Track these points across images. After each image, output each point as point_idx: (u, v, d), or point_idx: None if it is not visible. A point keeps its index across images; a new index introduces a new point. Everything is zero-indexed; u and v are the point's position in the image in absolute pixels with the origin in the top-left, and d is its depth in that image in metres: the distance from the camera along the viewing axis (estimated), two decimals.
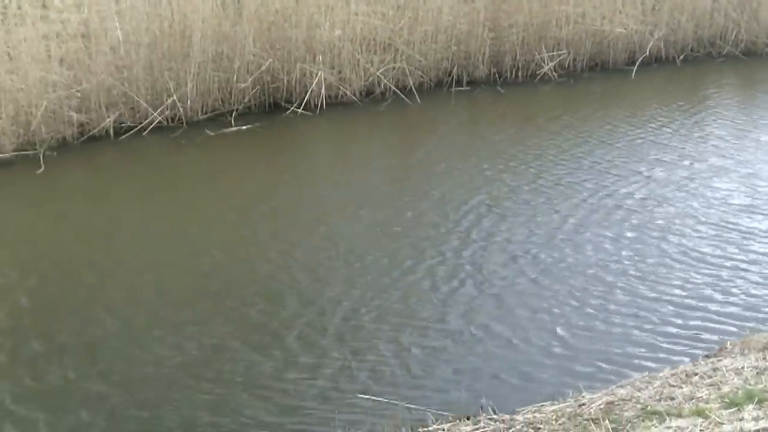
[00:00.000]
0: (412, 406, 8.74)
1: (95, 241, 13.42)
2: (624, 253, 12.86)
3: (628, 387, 8.58)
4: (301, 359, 9.87)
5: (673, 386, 8.39)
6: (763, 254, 12.54)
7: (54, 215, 14.39)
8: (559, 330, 10.54)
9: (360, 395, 9.00)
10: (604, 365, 9.78)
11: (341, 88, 19.70)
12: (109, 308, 11.02)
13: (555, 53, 22.39)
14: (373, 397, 8.93)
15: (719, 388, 8.05)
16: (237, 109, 18.70)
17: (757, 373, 8.31)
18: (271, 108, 19.33)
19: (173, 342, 10.24)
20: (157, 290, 11.51)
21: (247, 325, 10.63)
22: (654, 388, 8.43)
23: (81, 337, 10.39)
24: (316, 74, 19.17)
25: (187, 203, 15.01)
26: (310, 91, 19.11)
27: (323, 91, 19.18)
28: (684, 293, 11.49)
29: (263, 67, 18.85)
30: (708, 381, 8.38)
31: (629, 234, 13.53)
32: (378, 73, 20.15)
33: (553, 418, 7.89)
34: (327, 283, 11.72)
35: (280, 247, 12.85)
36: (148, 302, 11.19)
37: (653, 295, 11.48)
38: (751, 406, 7.35)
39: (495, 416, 8.22)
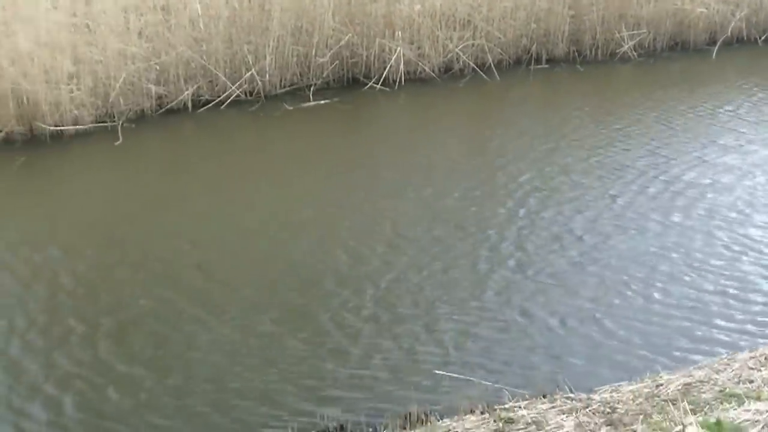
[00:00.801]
0: (487, 383, 8.33)
1: (169, 213, 12.98)
2: (707, 236, 12.08)
3: (706, 369, 8.31)
4: (375, 335, 9.41)
5: (752, 369, 8.16)
6: None
7: (131, 187, 13.96)
8: (633, 311, 9.96)
9: (436, 371, 8.57)
10: (681, 347, 9.25)
11: (420, 64, 18.93)
12: (179, 279, 10.71)
13: (635, 32, 21.38)
14: (448, 374, 8.50)
15: None
16: (315, 84, 18.02)
17: None
18: (350, 83, 18.63)
19: (244, 310, 9.86)
20: (229, 263, 11.07)
21: (329, 299, 10.15)
22: (732, 370, 8.18)
23: (141, 309, 10.04)
24: (395, 50, 18.42)
25: (264, 177, 14.38)
26: (388, 66, 18.37)
27: (402, 66, 18.42)
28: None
29: (342, 42, 18.18)
30: None
31: (704, 218, 12.70)
32: (457, 50, 19.36)
33: (631, 398, 7.66)
34: (403, 254, 11.25)
35: (356, 222, 12.30)
36: (219, 273, 10.81)
37: (734, 275, 10.80)
38: None
39: (572, 395, 7.90)
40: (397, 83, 18.44)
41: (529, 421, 7.18)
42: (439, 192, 13.63)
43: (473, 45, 19.62)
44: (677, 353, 9.09)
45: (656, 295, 10.29)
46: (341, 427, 7.58)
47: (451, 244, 11.52)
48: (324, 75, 18.16)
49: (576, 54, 21.01)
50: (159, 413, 8.13)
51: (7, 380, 8.64)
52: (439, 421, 7.45)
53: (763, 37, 23.15)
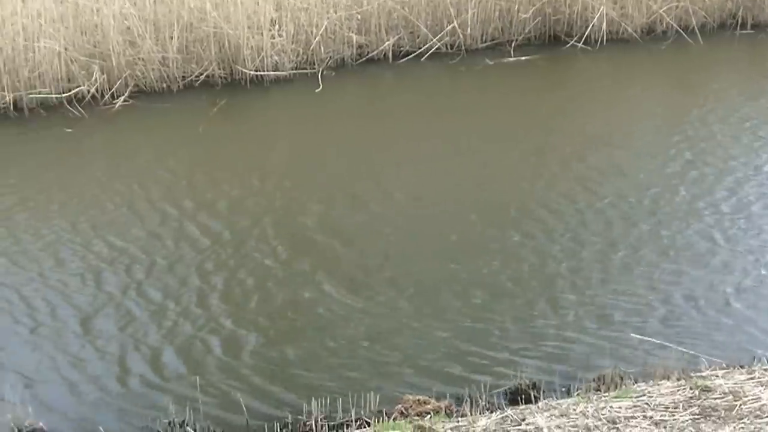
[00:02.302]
0: (683, 349, 7.50)
1: (365, 161, 12.10)
2: None
3: None
4: (570, 295, 8.53)
5: None
6: None
7: (329, 134, 13.13)
8: None
9: (632, 334, 7.76)
10: None
11: (622, 24, 17.29)
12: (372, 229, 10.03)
13: None
14: (645, 337, 7.71)
15: None
16: (516, 40, 16.56)
17: None
18: (550, 40, 17.05)
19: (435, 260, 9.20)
20: (422, 212, 10.41)
21: (524, 258, 9.25)
22: None
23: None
24: (598, 9, 16.81)
25: (461, 130, 13.03)
26: (590, 25, 16.78)
27: (604, 26, 16.81)
28: None
29: None
30: None
31: None
32: (660, 11, 17.60)
33: None
34: (599, 213, 10.26)
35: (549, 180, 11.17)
36: (411, 224, 10.11)
37: None
38: None
39: None
40: (598, 42, 16.83)
41: (726, 390, 6.40)
42: (637, 154, 12.30)
43: (677, 7, 17.84)
44: None
45: None
46: (533, 385, 6.91)
47: (654, 207, 10.46)
48: (525, 31, 16.72)
49: None
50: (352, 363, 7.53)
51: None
52: (633, 384, 6.72)
53: None
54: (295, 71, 14.90)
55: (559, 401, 6.41)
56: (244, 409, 6.83)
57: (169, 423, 6.62)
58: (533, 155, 12.14)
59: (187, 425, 6.58)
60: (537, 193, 10.85)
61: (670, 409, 6.25)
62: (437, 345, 7.64)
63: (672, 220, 10.02)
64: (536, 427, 5.88)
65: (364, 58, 15.59)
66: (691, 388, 6.49)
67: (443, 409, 6.43)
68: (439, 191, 10.99)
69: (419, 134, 12.85)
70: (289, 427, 6.44)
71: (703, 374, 6.85)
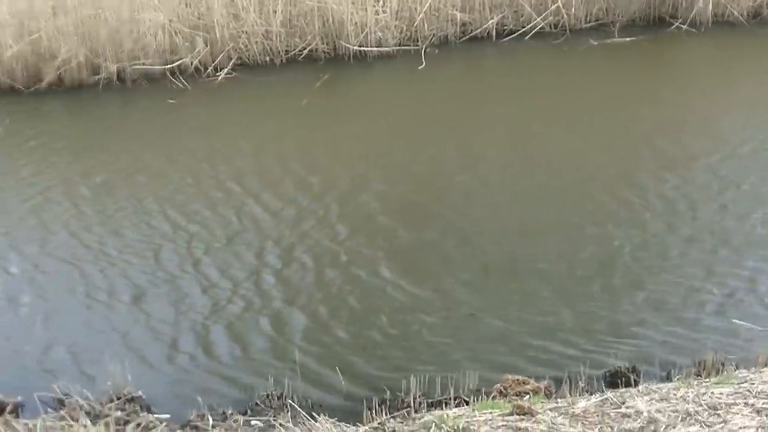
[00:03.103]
0: None
1: (467, 138, 11.48)
2: None
3: None
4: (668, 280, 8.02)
5: None
6: None
7: (431, 110, 12.56)
8: None
9: (734, 320, 7.34)
10: None
11: (728, 7, 16.41)
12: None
13: None
14: (748, 324, 7.26)
15: None
16: (621, 21, 15.75)
17: None
18: (655, 22, 16.15)
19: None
20: (514, 195, 9.82)
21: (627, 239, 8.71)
22: None
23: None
24: None
25: (562, 111, 12.32)
26: (696, 7, 15.93)
27: (710, 8, 15.96)
28: None
29: None
30: None
31: None
32: None
33: None
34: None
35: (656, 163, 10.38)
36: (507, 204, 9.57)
37: None
38: None
39: None
40: (703, 25, 15.95)
41: None
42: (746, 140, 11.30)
43: None
44: None
45: None
46: (633, 368, 6.58)
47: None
48: (630, 12, 15.93)
49: None
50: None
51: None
52: (735, 371, 6.40)
53: None
54: (398, 48, 14.35)
55: (659, 385, 6.12)
56: (342, 384, 6.58)
57: (267, 396, 6.38)
58: (632, 136, 11.42)
59: (286, 398, 6.34)
60: (629, 175, 10.15)
61: None
62: (536, 326, 7.28)
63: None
64: (636, 411, 5.60)
65: (467, 36, 14.96)
66: None
67: (542, 389, 6.25)
68: (533, 173, 10.33)
69: (521, 114, 12.20)
70: (387, 403, 6.22)
71: None
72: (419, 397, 6.22)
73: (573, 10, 15.21)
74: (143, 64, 13.58)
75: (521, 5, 15.01)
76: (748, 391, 5.85)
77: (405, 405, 6.15)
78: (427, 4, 14.21)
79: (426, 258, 8.39)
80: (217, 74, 13.54)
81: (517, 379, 6.36)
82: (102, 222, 9.35)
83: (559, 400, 5.94)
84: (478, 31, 14.87)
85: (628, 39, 15.17)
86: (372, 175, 10.19)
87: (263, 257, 8.54)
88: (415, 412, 6.03)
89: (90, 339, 7.29)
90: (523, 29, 15.00)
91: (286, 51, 13.96)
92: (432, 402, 6.18)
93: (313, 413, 5.98)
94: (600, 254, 8.38)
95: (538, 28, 15.05)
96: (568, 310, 7.48)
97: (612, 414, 5.59)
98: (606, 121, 11.88)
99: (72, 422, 5.85)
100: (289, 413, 6.06)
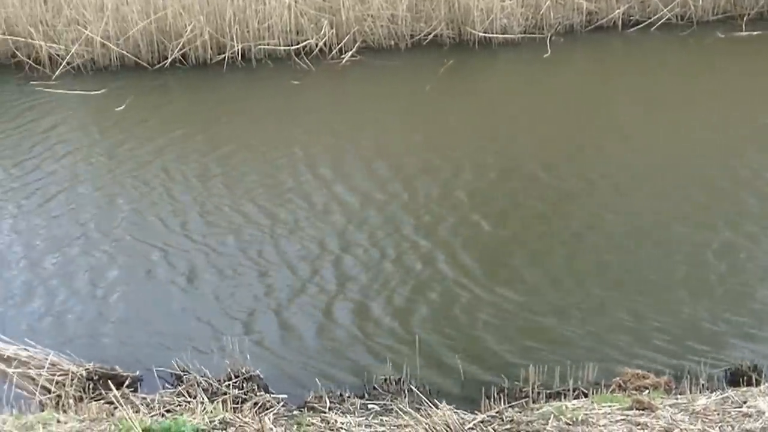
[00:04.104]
0: None
1: (584, 129, 10.96)
2: None
3: None
4: None
5: None
6: None
7: (555, 99, 12.07)
8: None
9: None
10: None
11: None
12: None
13: None
14: None
15: None
16: (749, 14, 14.89)
17: None
18: None
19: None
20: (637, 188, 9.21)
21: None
22: None
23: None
24: None
25: (689, 104, 11.77)
26: None
27: None
28: None
29: None
30: None
31: None
32: None
33: None
34: None
35: None
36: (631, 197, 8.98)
37: None
38: None
39: None
40: None
41: None
42: None
43: None
44: None
45: None
46: (754, 367, 6.23)
47: None
48: (759, 5, 15.14)
49: None
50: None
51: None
52: None
53: None
54: (523, 35, 13.81)
55: None
56: (461, 371, 6.32)
57: (386, 380, 6.22)
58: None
59: (404, 383, 6.13)
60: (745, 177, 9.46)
61: None
62: (656, 322, 6.89)
63: None
64: (758, 411, 5.25)
65: (592, 26, 14.33)
66: None
67: (662, 384, 6.02)
68: (655, 168, 9.74)
69: (646, 105, 11.54)
70: (506, 392, 5.99)
71: None
72: (538, 387, 6.03)
73: (700, 1, 14.48)
74: (268, 44, 13.25)
75: None
76: None
77: (523, 394, 5.97)
78: None
79: (545, 247, 8.05)
80: (342, 57, 13.16)
81: (637, 373, 6.12)
82: (217, 204, 9.12)
83: (678, 396, 5.67)
84: (604, 20, 14.21)
85: (755, 33, 14.38)
86: (490, 163, 9.80)
87: (382, 241, 8.20)
88: (534, 402, 5.83)
89: (210, 317, 7.12)
90: (650, 20, 14.32)
91: (411, 35, 13.52)
92: (550, 393, 5.99)
93: (431, 399, 5.73)
94: (728, 257, 7.85)
95: (664, 19, 14.32)
96: (690, 308, 7.07)
97: (733, 413, 5.27)
98: (736, 118, 11.12)
99: (189, 398, 5.86)
100: (407, 398, 5.87)
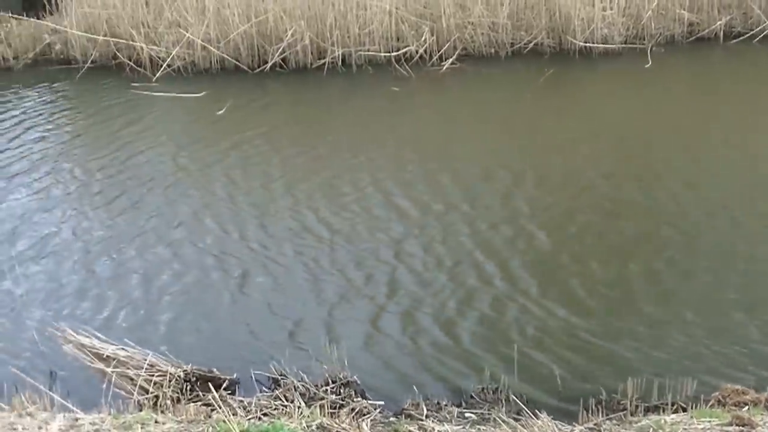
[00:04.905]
0: None
1: (688, 140, 10.47)
2: None
3: None
4: None
5: None
6: None
7: (655, 109, 11.65)
8: None
9: None
10: None
11: None
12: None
13: None
14: None
15: None
16: None
17: None
18: None
19: None
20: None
21: None
22: None
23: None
24: None
25: None
26: None
27: None
28: None
29: None
30: None
31: None
32: None
33: None
34: None
35: None
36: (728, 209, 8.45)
37: None
38: None
39: None
40: None
41: None
42: None
43: None
44: None
45: None
46: None
47: None
48: None
49: None
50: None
51: None
52: None
53: None
54: (623, 45, 13.52)
55: None
56: (558, 382, 6.06)
57: (483, 389, 5.96)
58: None
59: (501, 392, 5.90)
60: None
61: None
62: (757, 336, 6.51)
63: None
64: None
65: (693, 37, 14.04)
66: None
67: (762, 401, 5.67)
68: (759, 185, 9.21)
69: (748, 119, 11.16)
70: (603, 404, 5.72)
71: None
72: (636, 400, 5.75)
73: None
74: (368, 50, 13.12)
75: (750, 7, 13.97)
76: None
77: (621, 407, 5.71)
78: (655, 2, 13.39)
79: (647, 259, 7.62)
80: (442, 64, 13.00)
81: (737, 389, 5.82)
82: (312, 207, 8.90)
83: None
84: (706, 31, 13.91)
85: None
86: (588, 174, 9.41)
87: (483, 247, 7.93)
88: (632, 415, 5.61)
89: (309, 321, 6.94)
90: (752, 32, 13.97)
91: (512, 44, 13.33)
92: (648, 406, 5.72)
93: (529, 409, 5.56)
94: None
95: (767, 31, 13.88)
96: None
97: None
98: None
99: (286, 402, 5.72)
100: (504, 408, 5.68)
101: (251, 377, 6.15)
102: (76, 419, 5.21)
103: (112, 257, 7.93)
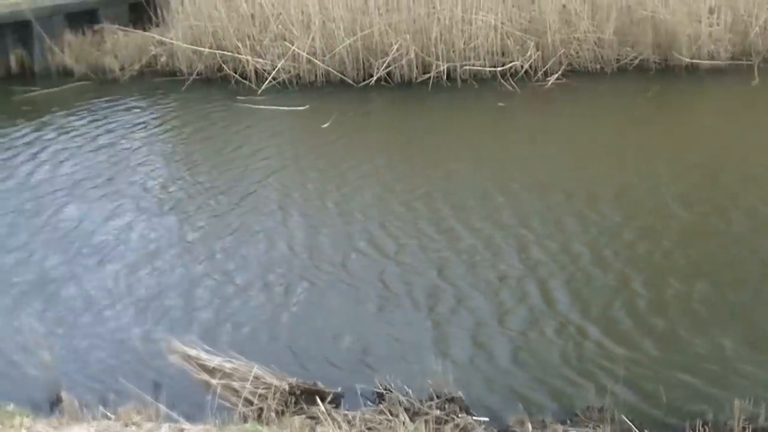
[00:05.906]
0: None
1: None
2: None
3: None
4: None
5: None
6: None
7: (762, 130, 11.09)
8: None
9: None
10: None
11: None
12: None
13: None
14: None
15: None
16: None
17: None
18: None
19: None
20: None
21: None
22: None
23: None
24: None
25: None
26: None
27: None
28: None
29: None
30: None
31: None
32: None
33: None
34: None
35: None
36: None
37: None
38: None
39: None
40: None
41: None
42: None
43: None
44: None
45: None
46: None
47: None
48: None
49: None
50: None
51: None
52: None
53: None
54: (730, 62, 13.21)
55: None
56: (664, 400, 5.83)
57: (588, 408, 5.75)
58: None
59: (606, 411, 5.70)
60: None
61: None
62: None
63: None
64: None
65: None
66: None
67: None
68: None
69: None
70: (710, 425, 5.48)
71: None
72: (743, 421, 5.48)
73: None
74: (473, 65, 13.01)
75: None
76: None
77: (728, 428, 5.49)
78: (763, 19, 13.06)
79: (738, 276, 7.36)
80: (547, 79, 12.85)
81: None
82: (417, 219, 8.71)
83: None
84: None
85: None
86: (688, 195, 9.01)
87: (594, 265, 7.70)
88: None
89: (414, 336, 6.76)
90: None
91: (617, 59, 13.12)
92: (756, 428, 5.49)
93: (635, 428, 5.41)
94: None
95: None
96: None
97: None
98: None
99: (391, 417, 5.57)
100: (609, 427, 5.47)
101: (355, 391, 6.00)
102: (182, 429, 5.21)
103: (219, 270, 7.84)
